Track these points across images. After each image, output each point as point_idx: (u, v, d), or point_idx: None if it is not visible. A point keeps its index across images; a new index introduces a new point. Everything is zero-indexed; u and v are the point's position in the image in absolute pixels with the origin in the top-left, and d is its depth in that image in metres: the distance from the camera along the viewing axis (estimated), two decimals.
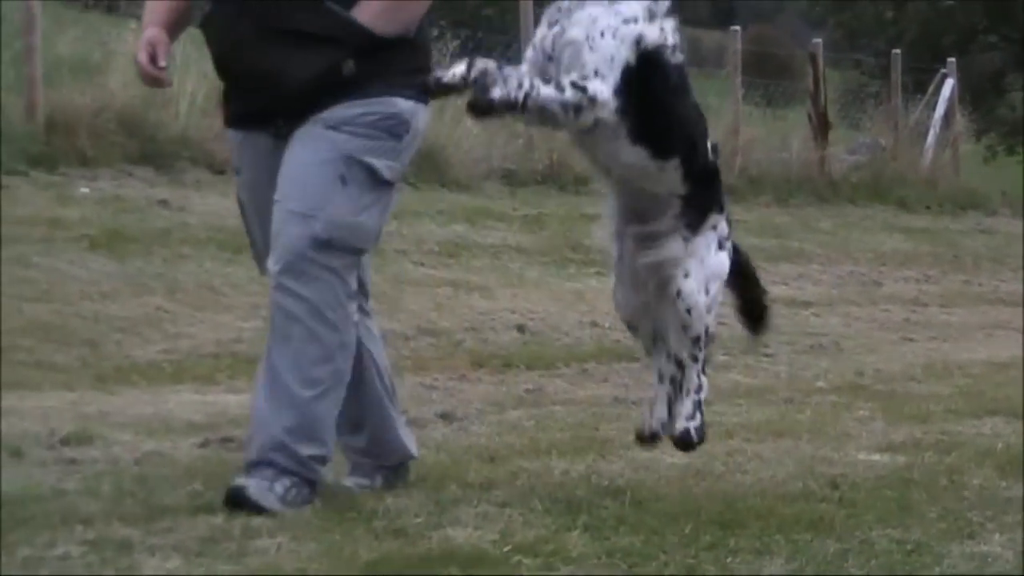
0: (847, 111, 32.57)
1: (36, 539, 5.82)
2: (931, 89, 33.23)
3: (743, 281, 7.03)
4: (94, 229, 14.86)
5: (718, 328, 6.97)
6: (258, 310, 13.27)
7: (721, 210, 6.73)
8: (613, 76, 6.21)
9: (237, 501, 6.16)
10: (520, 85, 6.17)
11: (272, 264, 6.32)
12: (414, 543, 6.33)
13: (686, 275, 6.52)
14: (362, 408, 6.99)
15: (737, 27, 32.29)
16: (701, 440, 6.92)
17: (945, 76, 33.27)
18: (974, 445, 9.39)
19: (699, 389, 6.67)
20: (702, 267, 6.50)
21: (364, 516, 6.82)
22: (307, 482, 6.43)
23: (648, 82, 6.37)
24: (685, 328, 6.65)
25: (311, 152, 6.19)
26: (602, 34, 6.22)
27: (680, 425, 6.77)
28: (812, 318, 16.66)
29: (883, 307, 18.26)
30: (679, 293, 6.53)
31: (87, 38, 22.26)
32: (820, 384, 12.23)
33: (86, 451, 8.21)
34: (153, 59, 6.44)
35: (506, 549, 6.21)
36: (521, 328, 13.83)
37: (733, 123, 27.60)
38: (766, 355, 13.75)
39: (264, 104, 6.22)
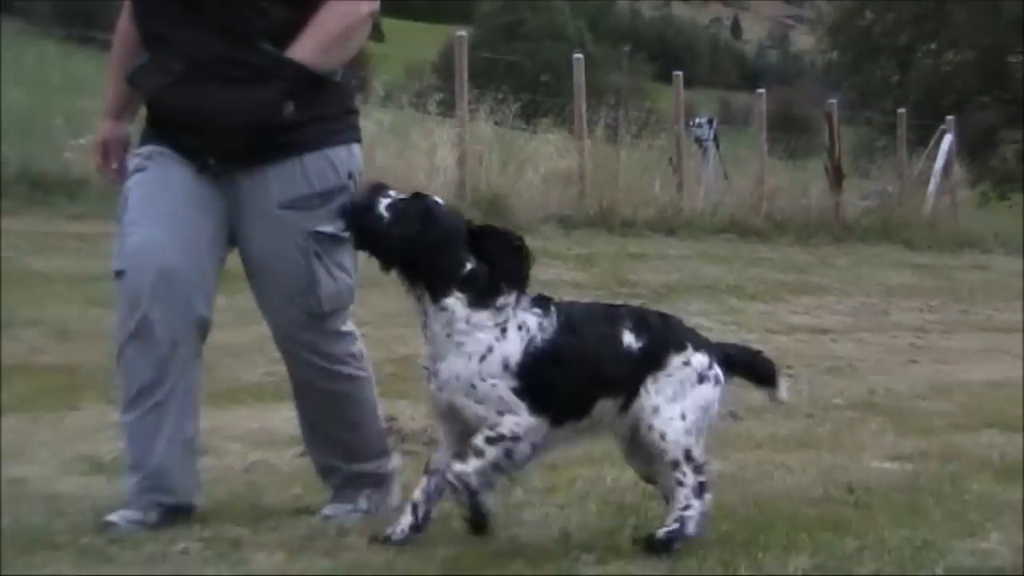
0: (859, 163, 32.54)
1: (160, 537, 5.84)
2: (932, 143, 33.31)
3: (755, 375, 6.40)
4: None
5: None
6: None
7: (685, 347, 5.89)
8: (517, 403, 5.63)
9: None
10: (466, 485, 5.66)
11: (280, 339, 6.15)
12: (486, 542, 6.35)
13: (655, 411, 5.81)
14: None
15: (763, 90, 32.37)
16: (667, 549, 5.92)
17: (944, 132, 33.34)
18: (974, 455, 9.36)
19: (686, 508, 5.91)
20: (674, 402, 5.82)
21: (442, 518, 6.83)
22: (383, 481, 6.25)
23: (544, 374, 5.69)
24: (662, 455, 5.94)
25: (279, 239, 5.85)
26: (472, 386, 5.62)
27: (659, 532, 5.97)
28: (830, 343, 16.61)
29: (891, 333, 18.20)
30: (650, 427, 5.83)
31: None
32: (837, 401, 12.17)
33: (202, 461, 8.20)
34: (106, 160, 6.18)
35: (566, 546, 6.23)
36: None
37: (759, 173, 27.68)
38: (790, 375, 13.72)
39: (198, 144, 5.74)
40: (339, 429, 6.03)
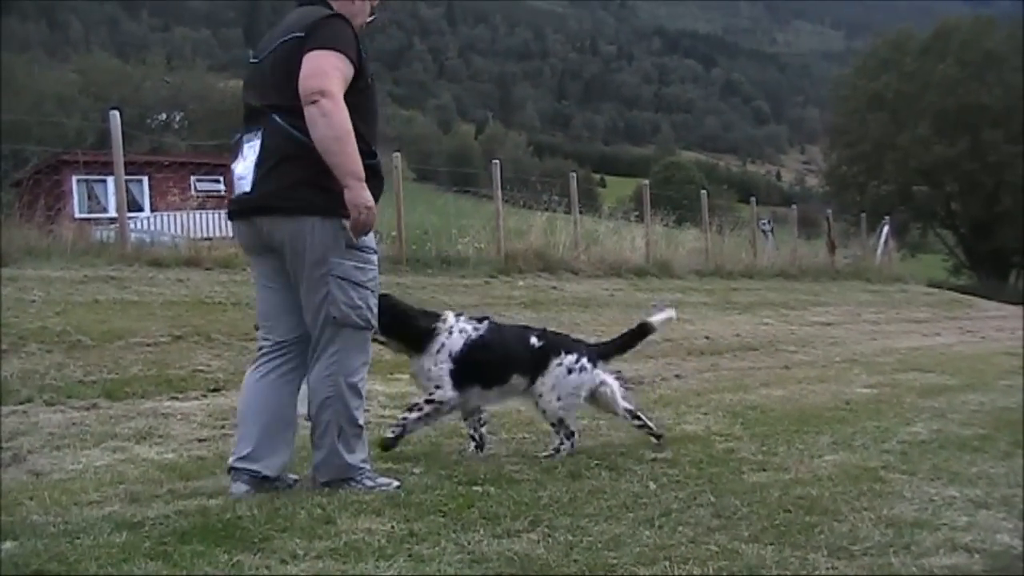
0: (843, 240, 32.08)
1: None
2: (878, 229, 32.94)
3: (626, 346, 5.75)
4: (528, 298, 14.94)
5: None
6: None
7: (560, 353, 5.35)
8: (449, 381, 5.16)
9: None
10: (401, 425, 5.24)
11: None
12: (668, 430, 6.27)
13: (542, 395, 5.37)
14: None
15: (795, 206, 32.33)
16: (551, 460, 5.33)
17: (884, 224, 32.99)
18: (905, 384, 9.19)
19: (560, 444, 5.40)
20: (552, 390, 5.32)
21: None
22: None
23: (469, 363, 5.21)
24: (547, 419, 5.51)
25: None
26: (429, 370, 5.18)
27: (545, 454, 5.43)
28: (830, 329, 16.32)
29: (862, 324, 17.87)
30: (541, 404, 5.42)
31: None
32: (836, 359, 11.97)
33: None
34: None
35: (710, 433, 6.17)
36: (708, 337, 13.57)
37: (794, 247, 27.40)
38: (812, 347, 13.51)
39: None
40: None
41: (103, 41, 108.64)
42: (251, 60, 4.55)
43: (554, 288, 16.17)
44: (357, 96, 4.25)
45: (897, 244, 36.44)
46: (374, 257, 4.46)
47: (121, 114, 14.28)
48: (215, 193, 33.23)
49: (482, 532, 3.73)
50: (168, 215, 27.60)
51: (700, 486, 4.59)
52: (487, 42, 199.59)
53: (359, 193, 4.19)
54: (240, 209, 4.43)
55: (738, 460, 5.28)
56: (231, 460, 4.44)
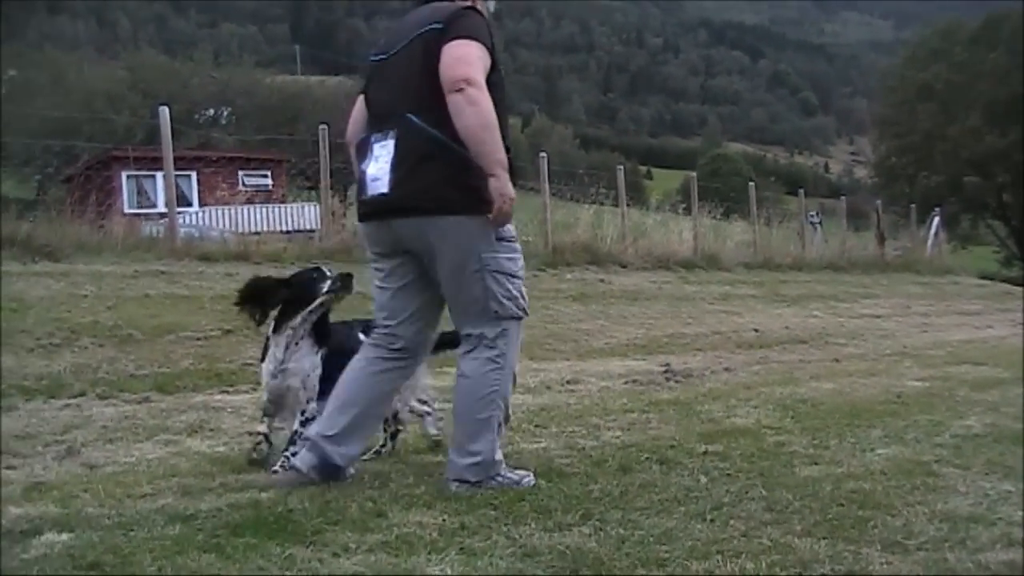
0: (893, 232, 31.77)
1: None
2: (928, 221, 32.63)
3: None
4: (576, 291, 14.93)
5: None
6: (649, 324, 13.32)
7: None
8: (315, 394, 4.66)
9: None
10: (285, 460, 4.59)
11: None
12: (718, 423, 6.26)
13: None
14: None
15: (843, 198, 32.10)
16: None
17: (935, 215, 32.65)
18: (957, 378, 9.07)
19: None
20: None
21: (693, 413, 6.72)
22: None
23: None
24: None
25: None
26: (303, 384, 4.60)
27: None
28: (880, 322, 16.15)
29: (912, 317, 17.68)
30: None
31: None
32: (887, 352, 11.84)
33: (577, 386, 8.14)
34: None
35: (760, 427, 6.13)
36: (757, 330, 13.48)
37: (843, 239, 27.18)
38: (862, 340, 13.39)
39: None
40: None
41: (151, 38, 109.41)
42: (375, 57, 4.44)
43: (602, 281, 16.12)
44: (491, 89, 4.11)
45: (947, 236, 36.05)
46: (519, 245, 4.37)
47: (170, 110, 14.37)
48: (263, 188, 33.51)
49: (533, 526, 3.70)
50: (217, 210, 27.80)
51: (751, 480, 4.53)
52: (533, 35, 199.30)
53: (505, 183, 4.07)
54: (375, 211, 4.33)
55: (789, 454, 5.22)
56: (311, 430, 4.44)
